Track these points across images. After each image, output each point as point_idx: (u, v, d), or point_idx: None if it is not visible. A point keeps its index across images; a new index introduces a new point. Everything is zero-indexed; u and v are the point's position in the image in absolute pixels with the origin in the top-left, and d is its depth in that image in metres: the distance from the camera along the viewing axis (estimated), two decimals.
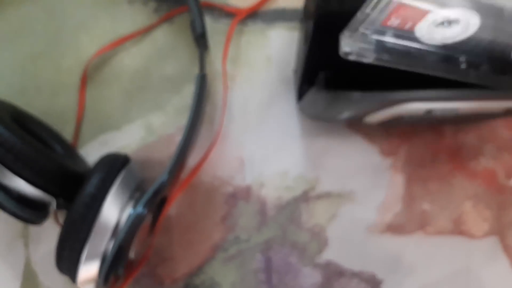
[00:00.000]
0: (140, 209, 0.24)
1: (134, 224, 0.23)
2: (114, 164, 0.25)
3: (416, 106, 0.23)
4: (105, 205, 0.23)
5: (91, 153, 0.29)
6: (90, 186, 0.23)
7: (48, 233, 0.28)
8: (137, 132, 0.30)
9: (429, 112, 0.24)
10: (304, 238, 0.28)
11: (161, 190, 0.24)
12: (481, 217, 0.29)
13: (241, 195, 0.29)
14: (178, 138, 0.26)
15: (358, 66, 0.21)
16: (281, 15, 0.30)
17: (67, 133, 0.30)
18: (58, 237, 0.23)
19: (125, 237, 0.23)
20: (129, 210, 0.24)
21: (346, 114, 0.26)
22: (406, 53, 0.21)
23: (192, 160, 0.28)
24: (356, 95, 0.23)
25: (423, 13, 0.20)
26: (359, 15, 0.20)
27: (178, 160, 0.24)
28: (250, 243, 0.28)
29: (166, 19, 0.31)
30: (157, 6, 0.31)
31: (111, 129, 0.30)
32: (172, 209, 0.29)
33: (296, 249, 0.28)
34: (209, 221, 0.29)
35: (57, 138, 0.29)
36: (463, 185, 0.29)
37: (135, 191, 0.25)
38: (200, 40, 0.28)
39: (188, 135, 0.25)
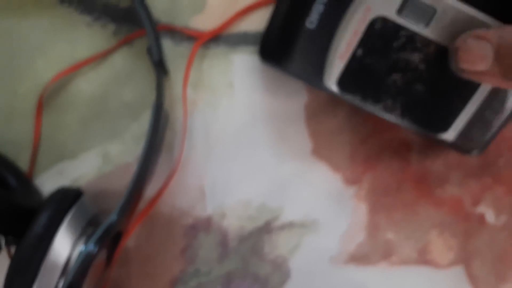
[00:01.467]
0: (90, 247, 0.23)
1: (85, 262, 0.23)
2: (64, 201, 0.24)
3: None
4: (53, 244, 0.23)
5: (47, 182, 0.28)
6: (38, 226, 0.23)
7: (2, 266, 0.27)
8: (94, 161, 0.29)
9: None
10: (266, 270, 0.28)
11: (112, 228, 0.23)
12: (447, 245, 0.29)
13: (202, 226, 0.28)
14: (135, 168, 0.25)
15: None
16: (243, 39, 0.30)
17: (22, 162, 0.29)
18: (4, 277, 0.23)
19: (76, 276, 0.23)
20: (80, 247, 0.23)
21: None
22: None
23: (150, 189, 0.27)
24: None
25: None
26: None
27: (130, 196, 0.24)
28: (211, 276, 0.28)
29: (125, 42, 0.30)
30: (116, 28, 0.30)
31: (68, 158, 0.29)
32: (130, 241, 0.28)
33: (258, 281, 0.28)
34: (169, 253, 0.28)
35: (11, 168, 0.28)
36: (429, 213, 0.29)
37: (88, 226, 0.24)
38: (158, 67, 0.27)
39: (142, 168, 0.24)
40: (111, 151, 0.29)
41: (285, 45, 0.25)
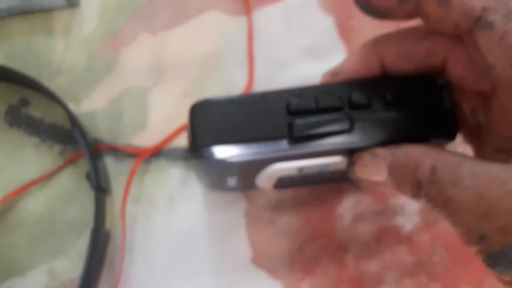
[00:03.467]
0: None
1: None
2: None
3: (281, 166, 0.23)
4: None
5: None
6: None
7: None
8: (40, 278, 0.30)
9: (301, 169, 0.24)
10: None
11: None
12: None
13: None
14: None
15: None
16: (182, 154, 0.31)
17: None
18: None
19: None
20: None
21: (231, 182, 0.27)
22: None
23: None
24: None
25: None
26: None
27: None
28: None
29: (71, 162, 0.31)
30: (62, 149, 0.31)
31: (15, 275, 0.30)
32: None
33: None
34: None
35: None
36: None
37: None
38: (96, 193, 0.28)
39: None
40: (57, 267, 0.30)
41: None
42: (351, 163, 0.23)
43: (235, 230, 0.31)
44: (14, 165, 0.31)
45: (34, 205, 0.31)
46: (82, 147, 0.28)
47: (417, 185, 0.20)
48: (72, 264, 0.30)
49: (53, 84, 0.32)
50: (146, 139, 0.31)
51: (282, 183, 0.26)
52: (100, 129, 0.32)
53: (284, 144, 0.22)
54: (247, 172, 0.24)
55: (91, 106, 0.32)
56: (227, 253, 0.30)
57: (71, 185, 0.31)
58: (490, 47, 0.19)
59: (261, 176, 0.24)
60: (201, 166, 0.25)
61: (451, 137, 0.22)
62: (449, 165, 0.19)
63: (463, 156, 0.20)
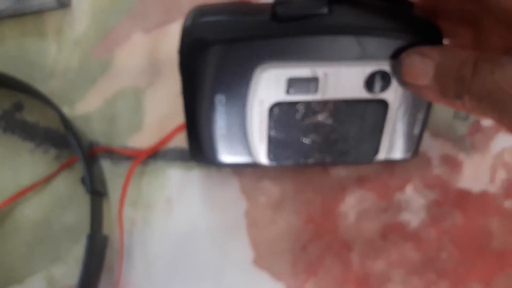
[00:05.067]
0: None
1: None
2: None
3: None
4: None
5: None
6: None
7: None
8: (39, 285, 0.29)
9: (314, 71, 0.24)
10: None
11: None
12: None
13: None
14: None
15: None
16: (180, 155, 0.31)
17: None
18: None
19: None
20: None
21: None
22: None
23: None
24: None
25: None
26: None
27: None
28: None
29: (67, 166, 0.31)
30: (57, 153, 0.31)
31: (14, 283, 0.29)
32: None
33: None
34: None
35: None
36: None
37: None
38: (92, 197, 0.28)
39: None
40: (56, 274, 0.29)
41: (208, 149, 0.26)
42: (397, 65, 0.23)
43: (236, 231, 0.30)
44: (9, 171, 0.31)
45: (31, 211, 0.30)
46: (77, 151, 0.28)
47: (461, 81, 0.20)
48: (70, 270, 0.29)
49: (47, 87, 0.31)
50: (143, 141, 0.31)
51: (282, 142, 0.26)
52: (95, 132, 0.31)
53: (268, 22, 0.22)
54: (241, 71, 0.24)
55: (86, 108, 0.31)
56: (228, 255, 0.30)
57: (67, 190, 0.30)
58: None
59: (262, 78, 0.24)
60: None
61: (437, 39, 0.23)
62: (490, 57, 0.20)
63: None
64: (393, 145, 0.27)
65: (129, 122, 0.31)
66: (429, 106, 0.26)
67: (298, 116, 0.25)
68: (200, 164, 0.30)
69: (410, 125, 0.26)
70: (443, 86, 0.21)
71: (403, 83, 0.23)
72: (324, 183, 0.30)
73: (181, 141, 0.31)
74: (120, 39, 0.32)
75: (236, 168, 0.30)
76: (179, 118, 0.31)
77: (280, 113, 0.25)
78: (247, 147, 0.26)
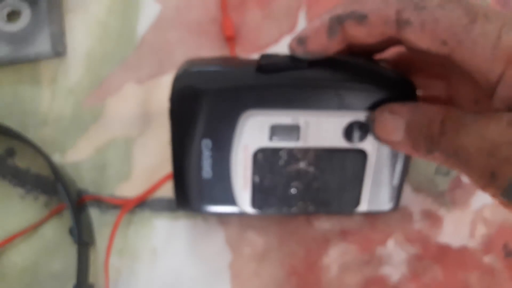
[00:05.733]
0: None
1: None
2: None
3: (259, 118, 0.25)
4: None
5: None
6: None
7: None
8: None
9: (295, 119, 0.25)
10: None
11: None
12: None
13: None
14: None
15: None
16: (167, 205, 0.31)
17: None
18: None
19: None
20: None
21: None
22: None
23: None
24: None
25: None
26: None
27: None
28: None
29: (56, 213, 0.31)
30: (47, 200, 0.31)
31: None
32: None
33: None
34: None
35: None
36: None
37: None
38: (79, 247, 0.28)
39: None
40: None
41: (193, 195, 0.27)
42: (371, 121, 0.24)
43: (220, 282, 0.30)
44: None
45: (18, 257, 0.31)
46: (66, 202, 0.28)
47: (431, 139, 0.22)
48: None
49: (39, 134, 0.32)
50: (131, 190, 0.31)
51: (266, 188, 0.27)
52: (84, 180, 0.31)
53: (253, 73, 0.24)
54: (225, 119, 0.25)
55: (76, 156, 0.32)
56: None
57: (55, 237, 0.31)
58: (417, 38, 0.21)
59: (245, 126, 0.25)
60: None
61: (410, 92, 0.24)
62: (456, 116, 0.21)
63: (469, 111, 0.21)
64: (374, 196, 0.28)
65: (118, 171, 0.32)
66: (407, 158, 0.27)
67: (281, 162, 0.26)
68: (186, 212, 0.30)
69: (390, 176, 0.27)
70: (414, 142, 0.22)
71: (377, 138, 0.24)
72: (308, 235, 0.31)
73: (168, 191, 0.31)
74: (113, 88, 0.33)
75: (222, 218, 0.31)
76: (167, 168, 0.32)
77: (264, 159, 0.26)
78: (232, 194, 0.27)
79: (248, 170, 0.26)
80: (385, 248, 0.31)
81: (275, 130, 0.25)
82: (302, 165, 0.26)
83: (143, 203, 0.31)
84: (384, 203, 0.28)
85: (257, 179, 0.26)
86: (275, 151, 0.26)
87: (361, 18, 0.22)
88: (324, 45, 0.23)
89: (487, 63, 0.20)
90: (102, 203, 0.31)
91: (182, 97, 0.24)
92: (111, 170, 0.32)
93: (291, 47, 0.24)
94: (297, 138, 0.25)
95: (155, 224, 0.31)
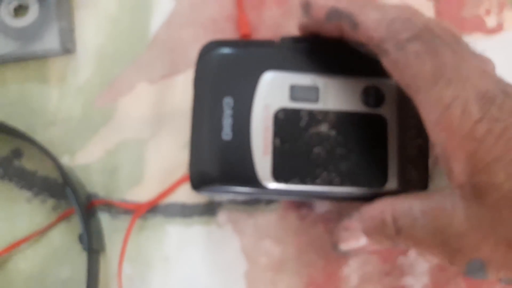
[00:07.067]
0: None
1: None
2: None
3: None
4: None
5: None
6: None
7: None
8: None
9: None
10: None
11: None
12: None
13: None
14: None
15: None
16: (180, 210, 0.30)
17: None
18: None
19: None
20: None
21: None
22: None
23: None
24: None
25: None
26: None
27: None
28: None
29: (64, 217, 0.30)
30: (55, 203, 0.30)
31: None
32: None
33: None
34: None
35: None
36: None
37: None
38: (89, 256, 0.27)
39: None
40: None
41: (211, 164, 0.26)
42: (334, 245, 0.25)
43: None
44: (5, 220, 0.30)
45: (25, 263, 0.29)
46: (75, 207, 0.27)
47: (390, 237, 0.23)
48: None
49: (47, 135, 0.31)
50: (142, 194, 0.30)
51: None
52: (94, 183, 0.30)
53: (273, 43, 0.27)
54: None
55: (86, 158, 0.31)
56: None
57: (63, 243, 0.30)
58: (389, 68, 0.22)
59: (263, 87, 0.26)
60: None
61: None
62: (404, 211, 0.22)
63: (414, 195, 0.23)
64: (402, 172, 0.26)
65: (130, 174, 0.30)
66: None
67: (302, 123, 0.26)
68: (200, 191, 0.28)
69: (412, 149, 0.27)
70: (378, 243, 0.24)
71: (348, 249, 0.25)
72: (327, 245, 0.30)
73: (181, 195, 0.30)
74: (125, 88, 0.31)
75: (237, 225, 0.30)
76: (181, 171, 0.30)
77: (285, 119, 0.26)
78: (252, 161, 0.25)
79: (269, 132, 0.26)
80: (407, 258, 0.30)
81: (295, 90, 0.26)
82: (323, 128, 0.26)
83: (155, 208, 0.30)
84: (414, 182, 0.27)
85: (278, 142, 0.26)
86: (296, 112, 0.26)
87: (353, 26, 0.23)
88: (321, 18, 0.24)
89: (432, 126, 0.21)
90: (113, 208, 0.30)
91: (208, 60, 0.26)
92: (122, 174, 0.30)
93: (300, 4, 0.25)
94: (317, 99, 0.26)
95: (168, 231, 0.30)
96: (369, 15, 0.22)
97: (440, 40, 0.21)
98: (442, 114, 0.21)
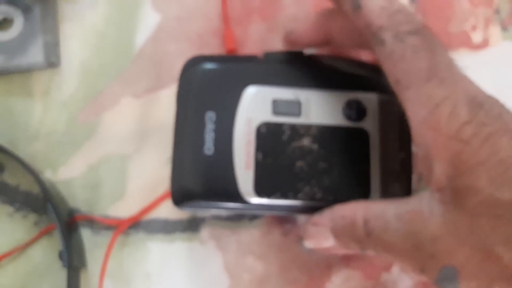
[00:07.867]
0: None
1: None
2: None
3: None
4: None
5: None
6: None
7: None
8: None
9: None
10: None
11: None
12: None
13: None
14: None
15: None
16: (163, 226, 0.30)
17: None
18: None
19: None
20: None
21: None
22: None
23: None
24: None
25: None
26: None
27: None
28: None
29: (45, 233, 0.30)
30: (37, 219, 0.30)
31: None
32: None
33: None
34: None
35: None
36: None
37: None
38: (69, 272, 0.27)
39: None
40: None
41: (193, 179, 0.26)
42: (300, 239, 0.25)
43: None
44: None
45: (5, 279, 0.29)
46: (56, 224, 0.27)
47: (359, 240, 0.22)
48: None
49: (30, 149, 0.30)
50: (125, 209, 0.30)
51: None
52: (76, 199, 0.30)
53: (256, 58, 0.27)
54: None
55: (69, 173, 0.30)
56: None
57: (44, 259, 0.29)
58: (382, 59, 0.22)
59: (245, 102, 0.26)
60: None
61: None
62: (377, 213, 0.22)
63: (389, 200, 0.22)
64: (384, 184, 0.26)
65: (112, 190, 0.30)
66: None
67: (284, 137, 0.26)
68: (181, 207, 0.27)
69: (395, 162, 0.26)
70: (345, 245, 0.23)
71: (310, 250, 0.25)
72: (311, 261, 0.30)
73: (164, 211, 0.30)
74: (109, 102, 0.31)
75: (220, 242, 0.30)
76: (163, 187, 0.30)
77: (267, 133, 0.26)
78: (234, 175, 0.25)
79: (252, 146, 0.26)
80: (390, 274, 0.30)
81: (277, 105, 0.26)
82: (305, 142, 0.26)
83: (137, 224, 0.30)
84: (397, 195, 0.26)
85: (260, 156, 0.26)
86: (278, 126, 0.26)
87: (356, 5, 0.22)
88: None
89: (419, 124, 0.21)
90: (94, 223, 0.30)
91: (191, 75, 0.26)
92: (104, 189, 0.30)
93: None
94: (299, 114, 0.26)
95: (150, 247, 0.29)
96: (375, 0, 0.22)
97: (437, 40, 0.22)
98: (431, 112, 0.20)
